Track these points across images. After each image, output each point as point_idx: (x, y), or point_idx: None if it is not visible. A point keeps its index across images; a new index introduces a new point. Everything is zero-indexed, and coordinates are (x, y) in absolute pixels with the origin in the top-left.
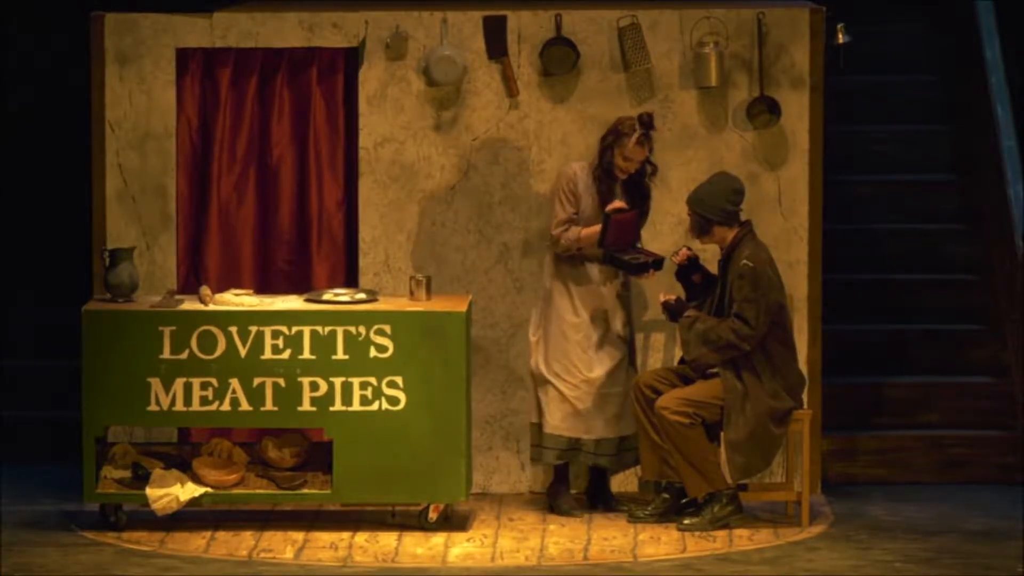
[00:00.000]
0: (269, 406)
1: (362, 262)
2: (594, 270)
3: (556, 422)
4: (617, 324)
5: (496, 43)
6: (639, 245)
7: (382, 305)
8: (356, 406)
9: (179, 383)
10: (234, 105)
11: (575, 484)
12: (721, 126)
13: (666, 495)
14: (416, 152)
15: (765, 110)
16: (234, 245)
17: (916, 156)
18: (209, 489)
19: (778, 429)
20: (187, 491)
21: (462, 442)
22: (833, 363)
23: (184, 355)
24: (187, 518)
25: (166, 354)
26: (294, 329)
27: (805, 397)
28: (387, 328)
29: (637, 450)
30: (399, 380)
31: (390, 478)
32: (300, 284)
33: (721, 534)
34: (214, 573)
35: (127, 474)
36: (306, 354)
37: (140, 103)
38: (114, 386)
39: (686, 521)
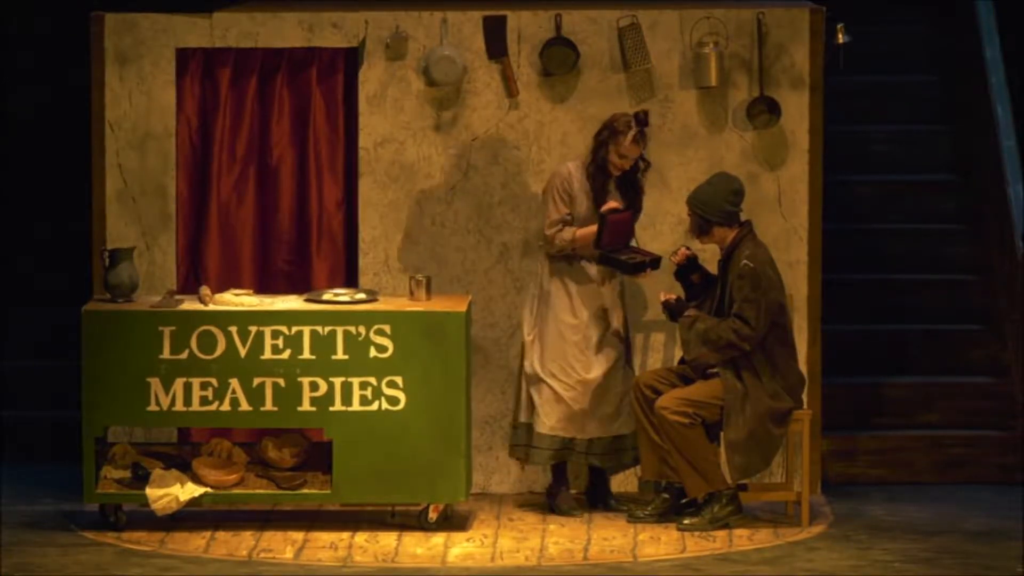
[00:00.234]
0: (269, 406)
1: (362, 262)
2: (592, 270)
3: (551, 422)
4: (614, 324)
5: (496, 43)
6: (634, 244)
7: (382, 305)
8: (356, 406)
9: (179, 383)
10: (234, 105)
11: (575, 484)
12: (721, 126)
13: (666, 495)
14: (416, 152)
15: (765, 110)
16: (234, 245)
17: (916, 156)
18: (209, 489)
19: (778, 429)
20: (187, 491)
21: (462, 442)
22: (833, 363)
23: (184, 355)
24: (187, 518)
25: (166, 354)
26: (294, 329)
27: (805, 397)
28: (387, 328)
29: (632, 450)
30: (399, 380)
31: (390, 478)
32: (300, 284)
33: (721, 534)
34: (214, 573)
35: (127, 474)
36: (306, 354)
37: (140, 103)
38: (114, 386)
39: (686, 521)
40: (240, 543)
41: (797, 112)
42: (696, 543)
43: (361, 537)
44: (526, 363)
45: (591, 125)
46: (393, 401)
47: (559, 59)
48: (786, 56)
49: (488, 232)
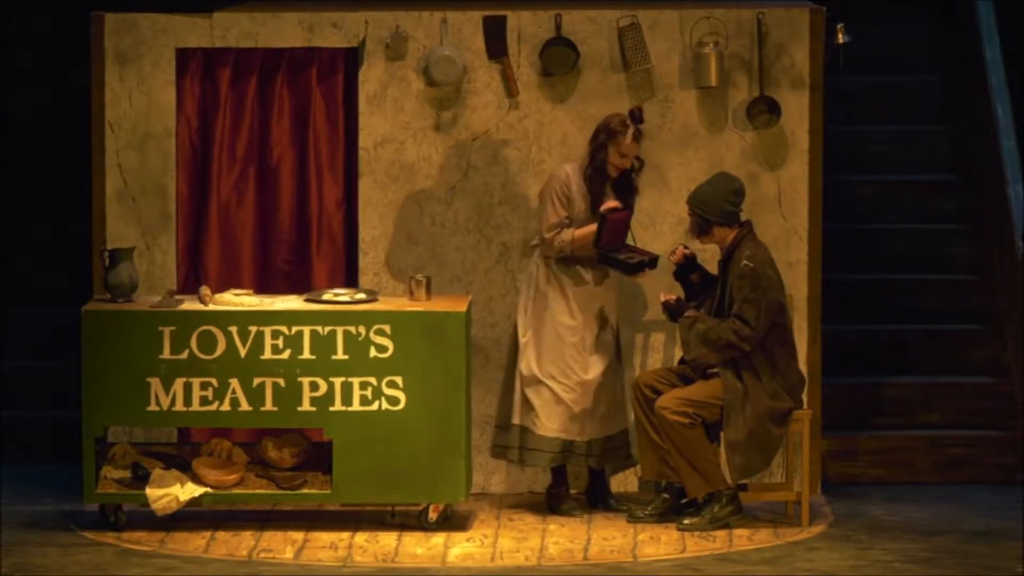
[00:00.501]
0: (269, 406)
1: (362, 262)
2: (588, 271)
3: (552, 425)
4: (609, 324)
5: (496, 43)
6: (631, 243)
7: (382, 305)
8: (356, 406)
9: (179, 383)
10: (234, 105)
11: (575, 484)
12: (721, 126)
13: (666, 495)
14: (416, 152)
15: (765, 110)
16: (234, 245)
17: (916, 156)
18: (209, 489)
19: (778, 429)
20: (187, 491)
21: (462, 442)
22: (833, 363)
23: (184, 355)
24: (187, 518)
25: (166, 354)
26: (294, 329)
27: (805, 397)
28: (387, 328)
29: (624, 448)
30: (399, 380)
31: (390, 478)
32: (300, 284)
33: (721, 534)
34: (214, 573)
35: (127, 474)
36: (306, 354)
37: (140, 103)
38: (114, 386)
39: (686, 521)
40: (240, 543)
41: (797, 112)
42: (696, 543)
43: (361, 537)
44: (521, 364)
45: (591, 125)
46: (393, 401)
47: (559, 59)
48: (786, 56)
49: (488, 232)
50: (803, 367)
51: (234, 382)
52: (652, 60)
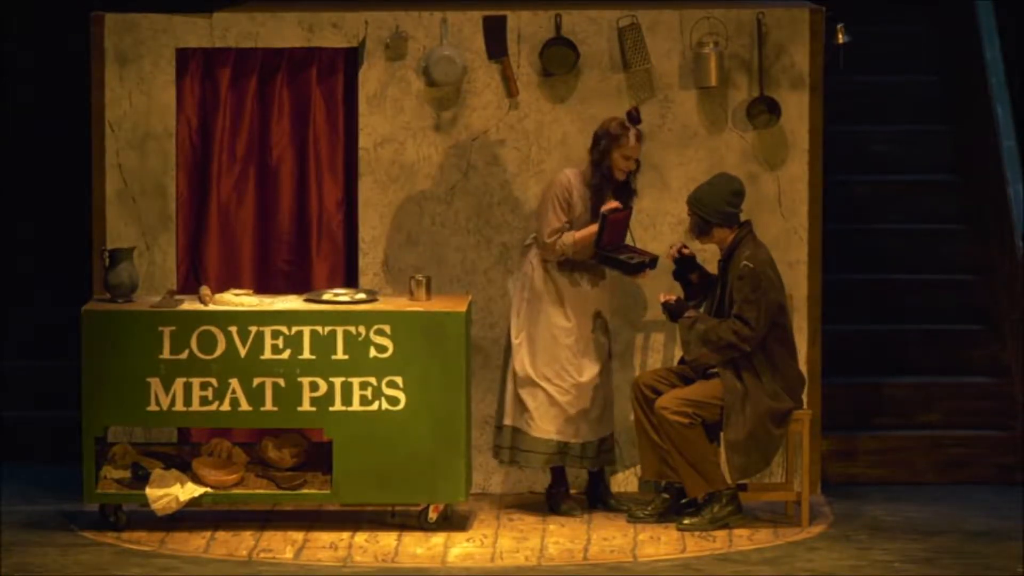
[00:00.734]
0: (269, 406)
1: (362, 262)
2: (583, 274)
3: (546, 427)
4: (603, 326)
5: (496, 43)
6: (631, 244)
7: (382, 305)
8: (356, 406)
9: (179, 383)
10: (234, 105)
11: (575, 484)
12: (721, 126)
13: (666, 495)
14: (416, 152)
15: (765, 110)
16: (234, 245)
17: (916, 156)
18: (209, 489)
19: (778, 429)
20: (187, 491)
21: (462, 442)
22: (833, 363)
23: (184, 355)
24: (187, 518)
25: (166, 354)
26: (294, 329)
27: (805, 397)
28: (387, 328)
29: (615, 451)
30: (399, 380)
31: (390, 478)
32: (300, 284)
33: (721, 534)
34: (214, 573)
35: (127, 474)
36: (306, 354)
37: (140, 103)
38: (114, 386)
39: (686, 521)
40: (240, 543)
41: (797, 112)
42: (696, 543)
43: (361, 537)
44: (516, 365)
45: (591, 125)
46: (393, 401)
47: (559, 59)
48: (786, 56)
49: (488, 232)
50: (803, 367)
51: (234, 382)
52: (652, 60)
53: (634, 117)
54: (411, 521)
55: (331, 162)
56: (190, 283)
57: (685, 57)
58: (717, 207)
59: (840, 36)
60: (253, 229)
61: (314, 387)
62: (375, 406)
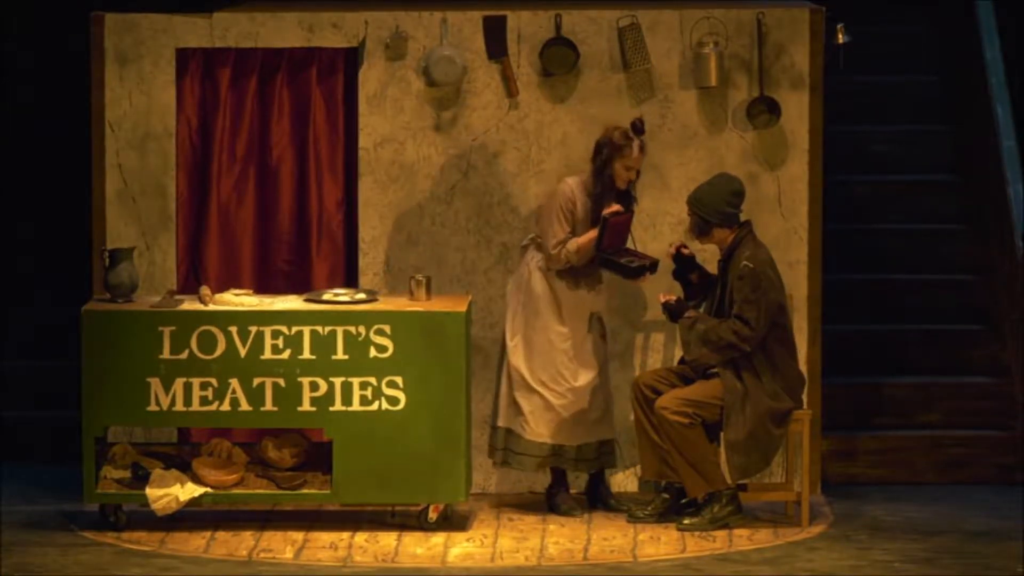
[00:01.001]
0: (269, 406)
1: (362, 262)
2: (581, 278)
3: (540, 430)
4: (600, 330)
5: (496, 43)
6: (632, 247)
7: (382, 305)
8: (356, 406)
9: (179, 383)
10: (234, 105)
11: (575, 484)
12: (721, 126)
13: (666, 495)
14: (416, 152)
15: (765, 110)
16: (234, 245)
17: (916, 156)
18: (209, 489)
19: (778, 429)
20: (187, 491)
21: (462, 442)
22: (833, 363)
23: (184, 355)
24: (187, 518)
25: (166, 354)
26: (294, 329)
27: (805, 397)
28: (387, 328)
29: (615, 454)
30: (399, 380)
31: (390, 478)
32: (300, 284)
33: (721, 534)
34: (214, 573)
35: (127, 474)
36: (306, 354)
37: (140, 103)
38: (114, 386)
39: (686, 521)
40: (240, 543)
41: (797, 112)
42: (696, 543)
43: (361, 537)
44: (512, 368)
45: (591, 125)
46: (393, 401)
47: (559, 59)
48: (786, 56)
49: (488, 232)
50: (803, 367)
51: (234, 382)
52: (652, 60)
53: (638, 128)
54: (411, 521)
55: (331, 162)
56: (190, 283)
57: (685, 57)
58: (717, 207)
59: (840, 36)
60: (253, 229)
61: (314, 387)
62: (375, 406)
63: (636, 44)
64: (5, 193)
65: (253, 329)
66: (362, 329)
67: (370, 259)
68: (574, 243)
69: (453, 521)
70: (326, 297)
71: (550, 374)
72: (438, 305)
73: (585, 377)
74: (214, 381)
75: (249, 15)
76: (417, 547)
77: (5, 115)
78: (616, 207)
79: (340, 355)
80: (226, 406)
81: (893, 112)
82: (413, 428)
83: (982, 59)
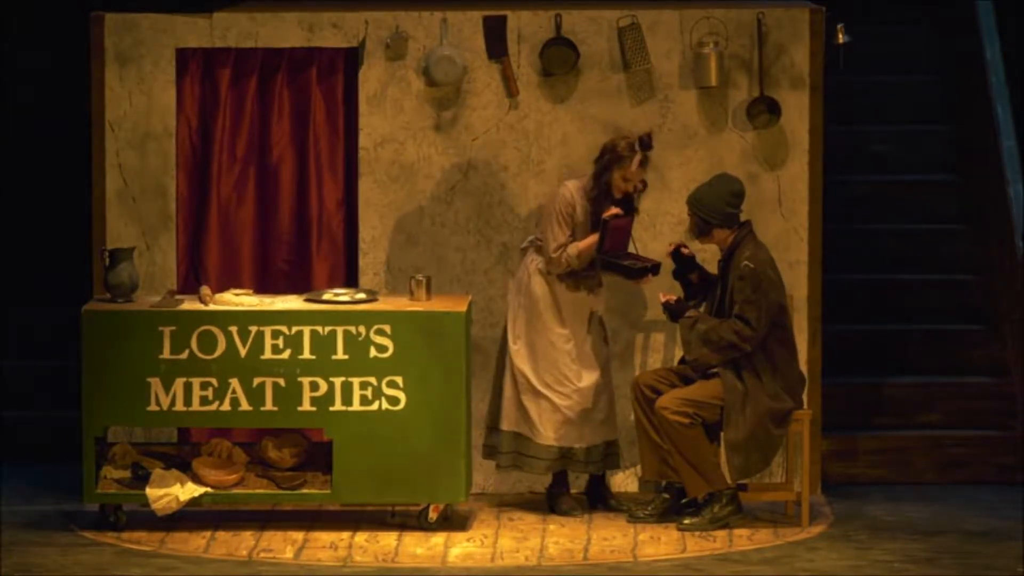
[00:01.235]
0: (269, 406)
1: (362, 262)
2: (581, 280)
3: (550, 434)
4: (601, 331)
5: (496, 43)
6: (634, 251)
7: (382, 305)
8: (356, 406)
9: (179, 383)
10: (234, 105)
11: (575, 484)
12: (721, 126)
13: (666, 495)
14: (416, 152)
15: (765, 110)
16: (234, 245)
17: (916, 156)
18: (209, 489)
19: (778, 429)
20: (187, 491)
21: (462, 442)
22: (833, 363)
23: (184, 355)
24: (187, 518)
25: (166, 354)
26: (294, 329)
27: (805, 397)
28: (387, 328)
29: (619, 455)
30: (399, 380)
31: (390, 478)
32: (300, 284)
33: (721, 534)
34: (214, 573)
35: (127, 474)
36: (306, 354)
37: (140, 103)
38: (114, 386)
39: (686, 521)
40: (240, 543)
41: (797, 112)
42: (696, 543)
43: (361, 537)
44: (516, 372)
45: (591, 125)
46: (393, 401)
47: (559, 59)
48: (786, 56)
49: (488, 232)
50: (803, 367)
51: (234, 382)
52: (652, 60)
53: (645, 143)
54: (411, 521)
55: (331, 162)
56: (190, 283)
57: (685, 57)
58: (717, 207)
59: (840, 36)
60: (253, 229)
61: (314, 387)
62: (375, 406)
63: (636, 44)
64: (5, 193)
65: (253, 329)
66: (362, 329)
67: (370, 259)
68: (575, 247)
69: (453, 521)
70: (326, 297)
71: (554, 376)
72: (438, 305)
73: (589, 378)
74: (214, 381)
75: (249, 15)
76: (417, 547)
77: (5, 115)
78: (615, 210)
79: (340, 355)
80: (226, 406)
81: (893, 112)
82: (413, 428)
83: (982, 59)
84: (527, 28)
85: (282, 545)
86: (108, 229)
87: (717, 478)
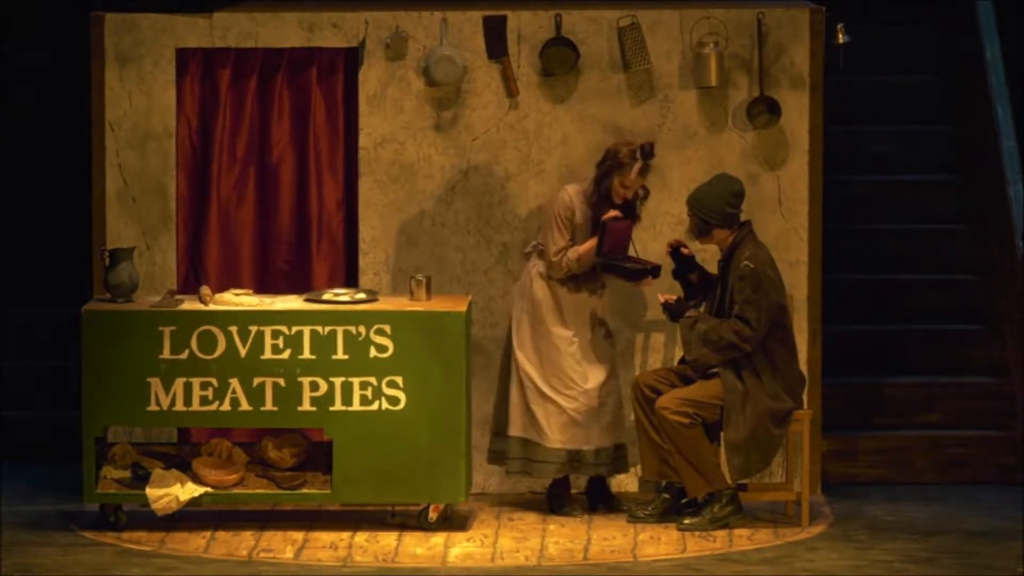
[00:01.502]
0: (269, 406)
1: (362, 262)
2: (583, 283)
3: (558, 436)
4: (605, 332)
5: (496, 43)
6: (634, 254)
7: (382, 305)
8: (356, 406)
9: (179, 383)
10: (234, 105)
11: (575, 485)
12: (721, 126)
13: (666, 495)
14: (416, 152)
15: (765, 110)
16: (234, 245)
17: (916, 156)
18: (209, 489)
19: (778, 429)
20: (187, 491)
21: (462, 442)
22: (833, 363)
23: (184, 355)
24: (187, 518)
25: (166, 354)
26: (294, 329)
27: (805, 397)
28: (387, 328)
29: (627, 458)
30: (399, 380)
31: (390, 478)
32: (300, 284)
33: (721, 534)
34: (214, 573)
35: (127, 474)
36: (306, 354)
37: (140, 103)
38: (114, 386)
39: (686, 521)
40: (240, 543)
41: (797, 112)
42: (696, 543)
43: (361, 537)
44: (523, 376)
45: (591, 125)
46: (393, 401)
47: (559, 59)
48: (786, 56)
49: (488, 232)
50: (803, 367)
51: (234, 382)
52: (652, 60)
53: (646, 151)
54: (411, 521)
55: (331, 162)
56: (190, 283)
57: (685, 57)
58: (717, 207)
59: (840, 36)
60: (253, 229)
61: (314, 387)
62: (375, 406)
63: (636, 44)
64: (5, 193)
65: (253, 329)
66: (362, 329)
67: (370, 259)
68: (575, 251)
69: (453, 521)
70: (326, 297)
71: (560, 379)
72: (438, 305)
73: (595, 379)
74: (214, 381)
75: (249, 15)
76: (417, 547)
77: (5, 115)
78: (615, 212)
79: (340, 355)
80: (226, 406)
81: (893, 112)
82: (413, 428)
83: (982, 59)
84: (527, 28)
85: (282, 545)
86: (108, 229)
87: (717, 478)
